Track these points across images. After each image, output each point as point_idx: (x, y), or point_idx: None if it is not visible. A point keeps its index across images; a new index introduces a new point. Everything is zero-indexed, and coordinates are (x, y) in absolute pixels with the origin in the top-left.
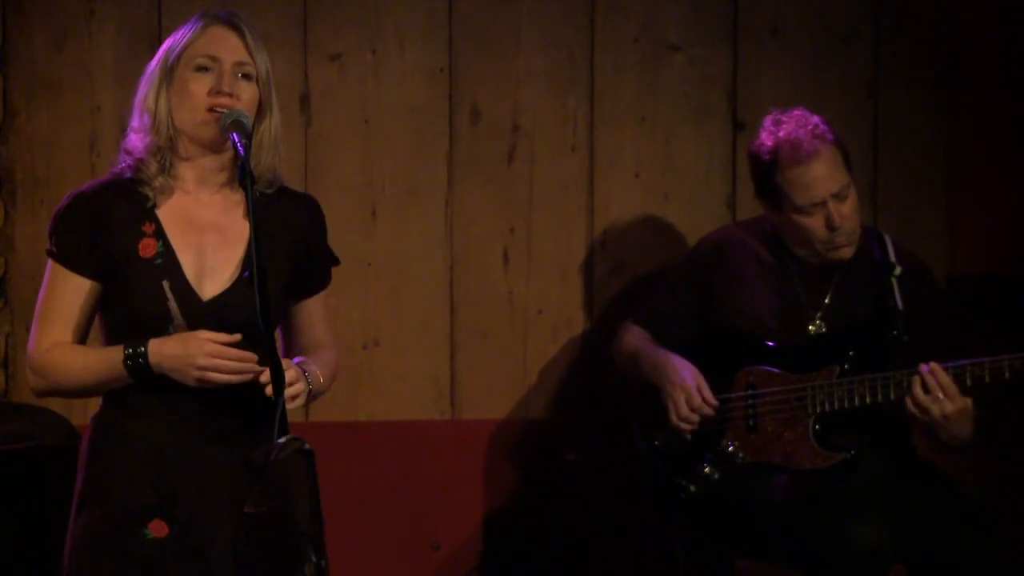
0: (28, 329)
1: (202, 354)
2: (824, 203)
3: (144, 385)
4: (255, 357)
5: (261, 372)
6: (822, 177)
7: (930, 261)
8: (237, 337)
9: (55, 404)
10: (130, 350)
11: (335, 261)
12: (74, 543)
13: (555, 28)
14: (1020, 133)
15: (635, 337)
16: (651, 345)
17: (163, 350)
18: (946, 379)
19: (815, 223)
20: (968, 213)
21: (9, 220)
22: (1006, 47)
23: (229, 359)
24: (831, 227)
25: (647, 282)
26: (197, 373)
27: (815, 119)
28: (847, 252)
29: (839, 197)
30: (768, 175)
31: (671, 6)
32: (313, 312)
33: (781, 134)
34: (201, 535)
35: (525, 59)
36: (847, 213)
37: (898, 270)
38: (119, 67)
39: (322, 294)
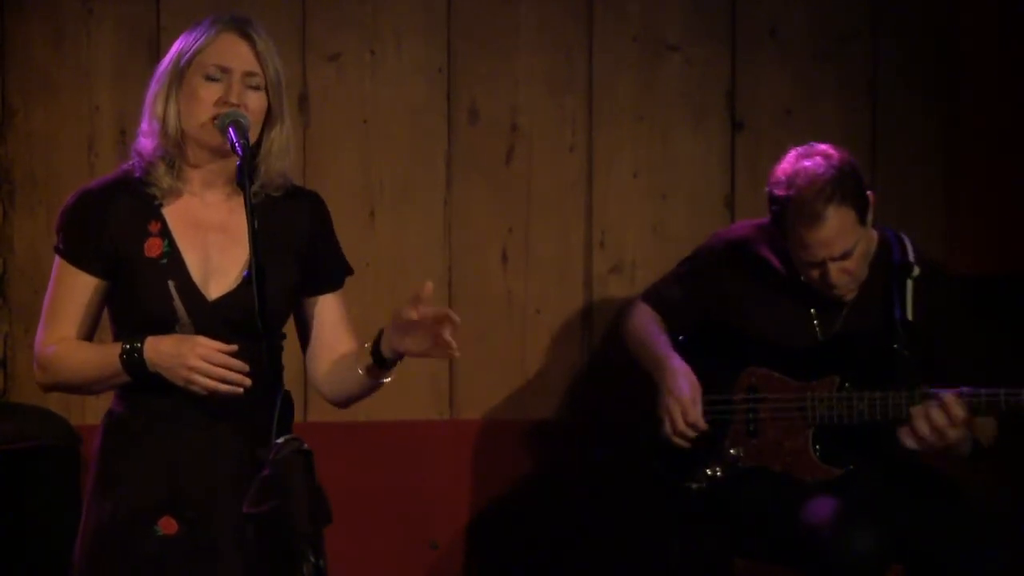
0: (27, 330)
1: (194, 355)
2: (823, 262)
3: (153, 383)
4: (246, 368)
5: (244, 385)
6: (825, 243)
7: None
8: (233, 347)
9: (54, 404)
10: (127, 345)
11: (347, 268)
12: (84, 540)
13: (553, 28)
14: (1018, 133)
15: (644, 319)
16: (657, 333)
17: (159, 347)
18: (958, 412)
19: (813, 274)
20: (966, 213)
21: (7, 220)
22: (1005, 47)
23: (217, 364)
24: (827, 284)
25: (645, 283)
26: (186, 372)
27: (834, 169)
28: (848, 296)
29: (841, 258)
30: (778, 218)
31: (669, 6)
32: (333, 309)
33: (792, 191)
34: (210, 533)
35: (523, 59)
36: (850, 268)
37: (916, 271)
38: (117, 67)
39: (339, 294)
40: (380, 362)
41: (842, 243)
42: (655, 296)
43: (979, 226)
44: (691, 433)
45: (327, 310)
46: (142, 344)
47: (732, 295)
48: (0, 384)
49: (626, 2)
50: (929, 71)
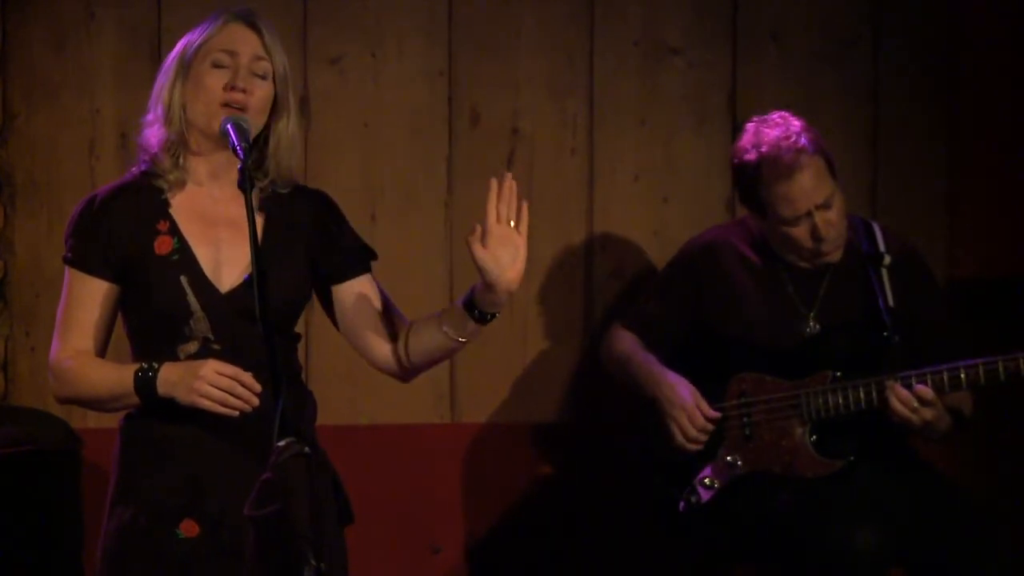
0: (28, 333)
1: (206, 368)
2: (809, 214)
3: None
4: (258, 388)
5: (252, 404)
6: (806, 190)
7: (930, 263)
8: (238, 370)
9: (54, 407)
10: (144, 365)
11: (370, 251)
12: (106, 545)
13: (555, 31)
14: (1020, 135)
15: (625, 343)
16: (643, 354)
17: (174, 366)
18: (924, 390)
19: (800, 233)
20: (968, 215)
21: (9, 223)
22: (1005, 50)
23: (224, 379)
24: (816, 238)
25: (647, 286)
26: (195, 383)
27: (796, 126)
28: (834, 256)
29: (824, 207)
30: (752, 188)
31: (671, 9)
32: (365, 291)
33: (763, 149)
34: (232, 533)
35: (525, 62)
36: (833, 219)
37: (887, 260)
38: (119, 70)
39: (371, 277)
40: (479, 316)
41: (822, 190)
42: (632, 317)
43: (981, 228)
44: (703, 438)
45: (357, 290)
46: (159, 365)
47: (711, 297)
48: (0, 387)
49: (627, 6)
50: (931, 74)
